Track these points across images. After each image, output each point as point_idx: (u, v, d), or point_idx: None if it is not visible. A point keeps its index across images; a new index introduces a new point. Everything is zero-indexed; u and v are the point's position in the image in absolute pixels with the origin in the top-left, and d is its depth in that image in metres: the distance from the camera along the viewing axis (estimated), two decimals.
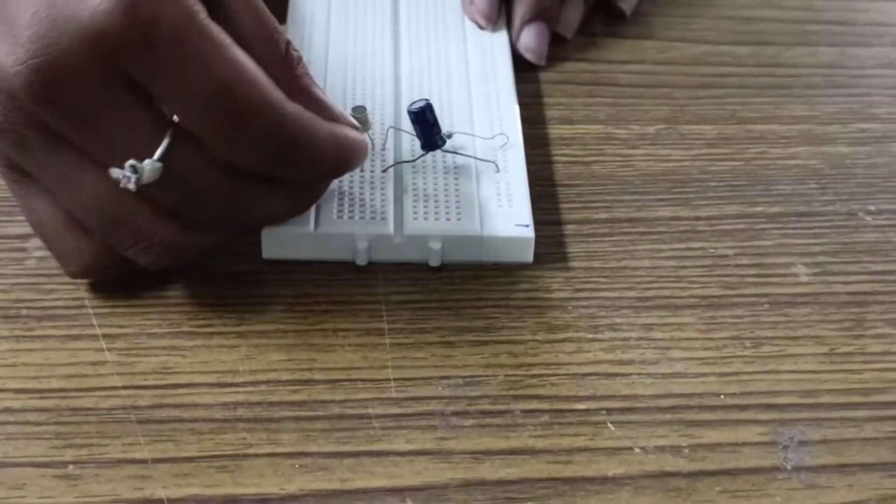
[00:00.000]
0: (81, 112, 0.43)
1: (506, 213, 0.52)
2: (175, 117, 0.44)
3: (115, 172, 0.44)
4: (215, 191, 0.46)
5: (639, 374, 0.47)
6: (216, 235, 0.48)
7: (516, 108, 0.57)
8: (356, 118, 0.51)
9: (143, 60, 0.42)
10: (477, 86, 0.59)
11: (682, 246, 0.53)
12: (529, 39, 0.63)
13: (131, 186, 0.43)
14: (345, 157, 0.48)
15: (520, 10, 0.63)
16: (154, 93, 0.44)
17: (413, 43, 0.61)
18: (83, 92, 0.42)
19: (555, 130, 0.59)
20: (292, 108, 0.45)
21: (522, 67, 0.62)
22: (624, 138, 0.59)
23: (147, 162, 0.44)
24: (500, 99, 0.58)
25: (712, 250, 0.53)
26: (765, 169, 0.58)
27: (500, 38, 0.62)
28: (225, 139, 0.44)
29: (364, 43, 0.60)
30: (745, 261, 0.53)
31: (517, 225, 0.51)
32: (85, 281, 0.49)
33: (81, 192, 0.45)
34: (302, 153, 0.46)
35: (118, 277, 0.49)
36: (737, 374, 0.48)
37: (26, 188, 0.47)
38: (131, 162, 0.43)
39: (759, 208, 0.56)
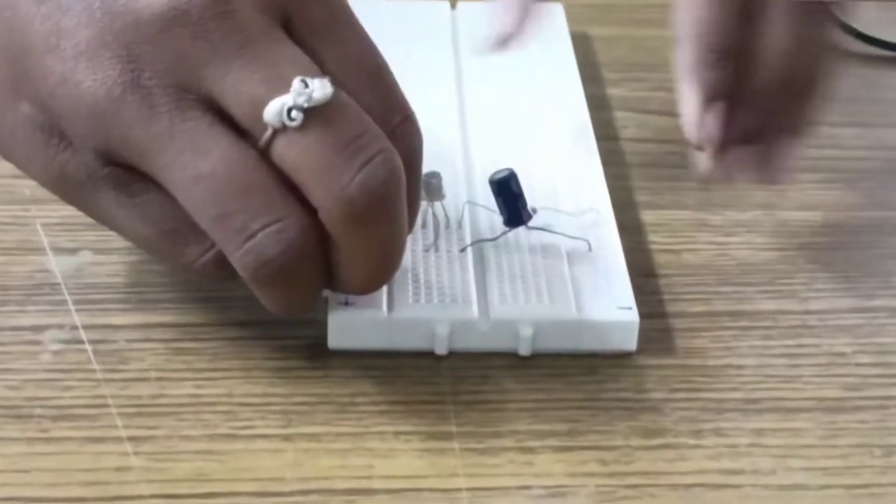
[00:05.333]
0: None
1: (604, 295, 0.46)
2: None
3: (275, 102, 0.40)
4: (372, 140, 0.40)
5: (752, 485, 0.41)
6: None
7: (603, 181, 0.51)
8: (428, 183, 0.46)
9: None
10: (557, 155, 0.53)
11: (791, 342, 0.47)
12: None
13: (302, 102, 0.39)
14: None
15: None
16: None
17: (480, 107, 0.56)
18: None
19: (641, 216, 0.53)
20: None
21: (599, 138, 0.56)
22: (718, 225, 0.53)
23: (317, 79, 0.40)
24: (584, 171, 0.52)
25: (827, 347, 0.47)
26: (882, 259, 0.52)
27: (575, 96, 0.58)
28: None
29: (427, 110, 0.52)
30: (866, 359, 0.47)
31: (619, 308, 0.46)
32: (108, 377, 0.43)
33: (208, 161, 0.40)
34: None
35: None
36: (867, 486, 0.41)
37: (132, 188, 0.42)
38: (300, 77, 0.40)
39: (879, 301, 0.50)
